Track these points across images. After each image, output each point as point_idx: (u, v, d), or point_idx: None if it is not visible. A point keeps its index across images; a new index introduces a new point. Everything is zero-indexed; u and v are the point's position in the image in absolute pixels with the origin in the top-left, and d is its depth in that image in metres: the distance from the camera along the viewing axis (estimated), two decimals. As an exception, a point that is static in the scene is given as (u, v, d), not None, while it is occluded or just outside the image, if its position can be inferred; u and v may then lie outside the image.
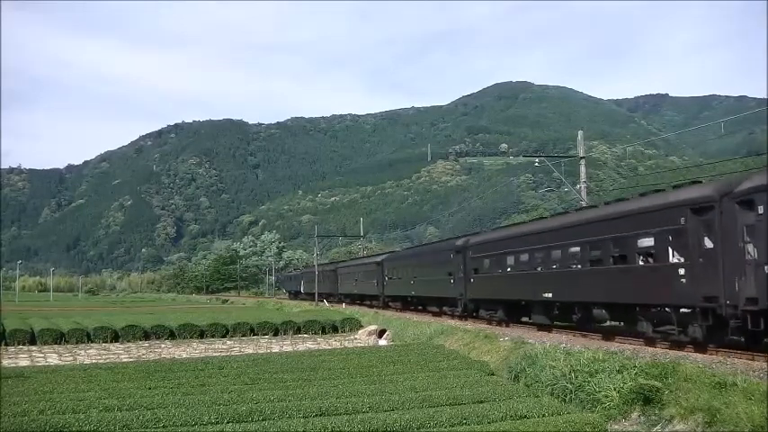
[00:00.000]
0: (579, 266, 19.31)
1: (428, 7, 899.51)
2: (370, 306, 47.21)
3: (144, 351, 27.44)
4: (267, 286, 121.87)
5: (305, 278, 73.89)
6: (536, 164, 40.88)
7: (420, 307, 37.78)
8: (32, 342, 30.90)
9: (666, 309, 15.68)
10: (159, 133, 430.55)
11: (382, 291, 44.48)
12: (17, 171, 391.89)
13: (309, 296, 68.00)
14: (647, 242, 16.06)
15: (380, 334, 32.06)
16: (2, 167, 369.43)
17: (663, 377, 11.53)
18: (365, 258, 57.81)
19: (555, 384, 13.65)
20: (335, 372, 17.15)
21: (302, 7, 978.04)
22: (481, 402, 12.62)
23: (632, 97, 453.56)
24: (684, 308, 14.96)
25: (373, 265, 46.79)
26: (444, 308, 32.34)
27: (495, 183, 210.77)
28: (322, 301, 61.30)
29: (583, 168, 27.78)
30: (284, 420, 11.30)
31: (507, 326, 24.86)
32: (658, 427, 10.64)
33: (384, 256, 47.02)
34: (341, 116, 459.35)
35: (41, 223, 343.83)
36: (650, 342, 16.50)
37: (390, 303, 43.17)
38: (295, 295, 78.17)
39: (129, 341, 31.87)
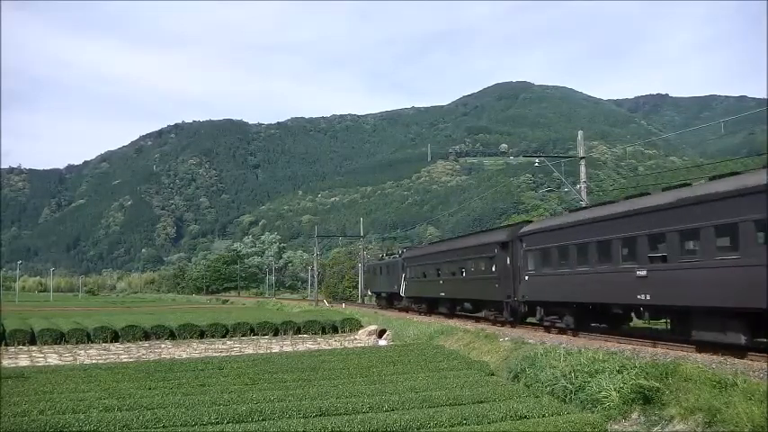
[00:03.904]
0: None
1: (428, 7, 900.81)
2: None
3: (144, 351, 27.44)
4: (267, 286, 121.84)
5: (412, 269, 37.97)
6: (536, 164, 40.71)
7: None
8: (32, 342, 30.90)
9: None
10: (159, 133, 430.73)
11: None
12: (17, 171, 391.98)
13: (422, 304, 36.95)
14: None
15: (380, 334, 32.07)
16: (2, 167, 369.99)
17: (663, 377, 11.53)
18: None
19: (555, 385, 13.65)
20: (335, 372, 17.15)
21: (302, 7, 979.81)
22: (481, 402, 12.62)
23: (632, 97, 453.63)
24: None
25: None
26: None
27: (495, 183, 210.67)
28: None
29: (583, 168, 27.77)
30: (284, 420, 11.29)
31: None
32: (658, 427, 10.63)
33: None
34: (341, 116, 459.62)
35: (41, 223, 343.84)
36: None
37: None
38: (388, 302, 44.87)
39: (129, 341, 31.87)
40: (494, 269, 25.33)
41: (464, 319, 30.03)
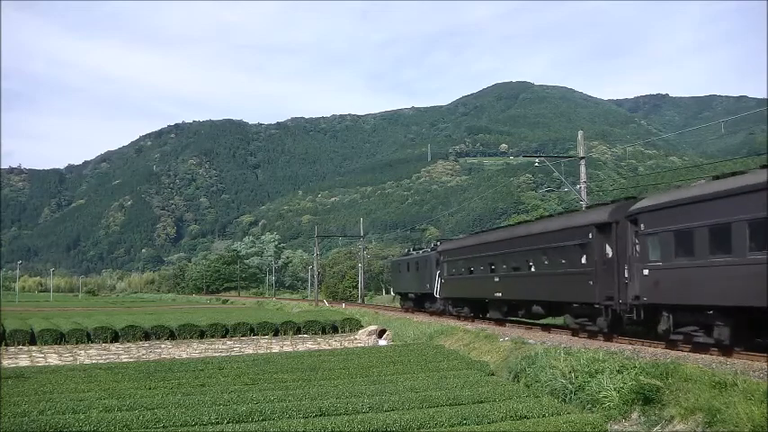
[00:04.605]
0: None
1: (428, 7, 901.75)
2: None
3: (144, 351, 27.45)
4: (267, 286, 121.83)
5: (450, 264, 31.70)
6: (536, 164, 40.85)
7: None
8: (32, 342, 30.91)
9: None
10: (159, 133, 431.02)
11: None
12: (17, 171, 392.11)
13: (464, 306, 30.77)
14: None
15: (380, 334, 32.06)
16: (2, 167, 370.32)
17: (663, 377, 11.52)
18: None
19: (555, 384, 13.64)
20: (335, 372, 17.14)
21: (302, 7, 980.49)
22: (481, 402, 12.61)
23: (632, 97, 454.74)
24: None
25: None
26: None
27: (495, 183, 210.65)
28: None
29: (583, 168, 27.78)
30: (284, 420, 11.29)
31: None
32: (658, 427, 10.63)
33: None
34: (341, 116, 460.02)
35: (41, 223, 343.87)
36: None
37: None
38: (417, 304, 39.15)
39: (129, 341, 31.90)
40: (585, 261, 18.97)
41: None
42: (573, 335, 20.08)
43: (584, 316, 19.50)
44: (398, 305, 45.98)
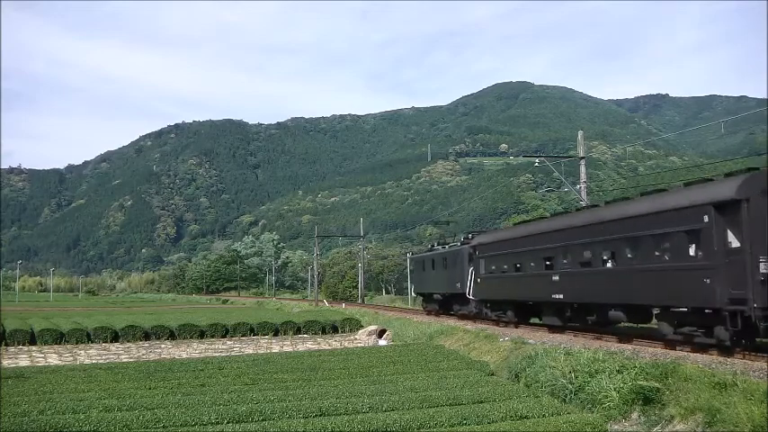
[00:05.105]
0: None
1: (428, 7, 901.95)
2: None
3: (144, 351, 27.44)
4: (267, 286, 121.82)
5: (489, 260, 26.94)
6: (536, 164, 40.76)
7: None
8: (32, 342, 30.90)
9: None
10: (159, 133, 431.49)
11: None
12: (17, 171, 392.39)
13: (507, 310, 25.86)
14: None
15: (380, 334, 32.06)
16: (2, 167, 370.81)
17: (663, 377, 11.52)
18: None
19: (555, 384, 13.63)
20: (335, 372, 17.14)
21: (302, 7, 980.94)
22: (481, 402, 12.61)
23: (632, 97, 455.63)
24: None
25: None
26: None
27: (495, 183, 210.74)
28: None
29: (583, 168, 27.77)
30: (284, 420, 11.28)
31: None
32: (658, 427, 10.63)
33: None
34: (341, 116, 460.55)
35: (41, 223, 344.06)
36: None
37: None
38: (443, 306, 34.63)
39: (129, 341, 31.89)
40: (695, 252, 14.50)
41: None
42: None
43: (693, 324, 14.92)
44: (403, 305, 42.72)
